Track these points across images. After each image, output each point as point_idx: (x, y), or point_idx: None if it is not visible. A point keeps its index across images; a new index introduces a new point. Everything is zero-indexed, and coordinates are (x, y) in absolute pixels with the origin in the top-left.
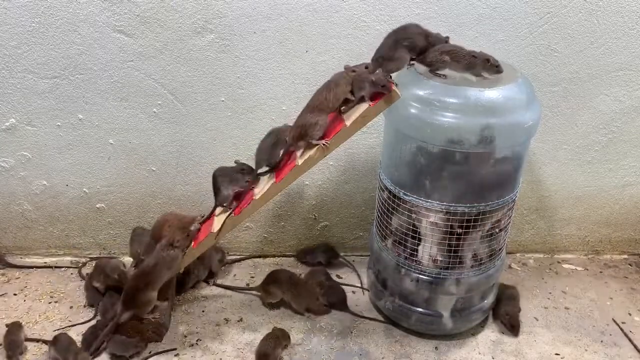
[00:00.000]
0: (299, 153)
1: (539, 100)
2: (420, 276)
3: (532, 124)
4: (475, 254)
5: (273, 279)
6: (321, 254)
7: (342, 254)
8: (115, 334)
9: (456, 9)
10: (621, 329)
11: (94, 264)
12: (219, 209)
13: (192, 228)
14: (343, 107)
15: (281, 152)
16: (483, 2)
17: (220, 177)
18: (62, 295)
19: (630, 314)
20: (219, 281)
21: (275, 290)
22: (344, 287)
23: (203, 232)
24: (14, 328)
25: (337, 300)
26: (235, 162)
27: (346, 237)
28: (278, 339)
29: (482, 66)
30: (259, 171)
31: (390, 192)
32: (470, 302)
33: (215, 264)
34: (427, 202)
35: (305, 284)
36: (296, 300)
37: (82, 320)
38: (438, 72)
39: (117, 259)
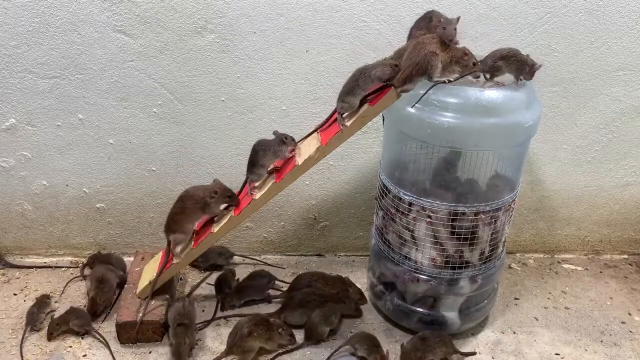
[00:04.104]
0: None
1: (539, 100)
2: (420, 276)
3: (532, 124)
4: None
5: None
6: (216, 256)
7: (342, 253)
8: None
9: (456, 9)
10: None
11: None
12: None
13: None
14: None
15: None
16: (483, 2)
17: (261, 151)
18: (62, 295)
19: (630, 314)
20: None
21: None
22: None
23: (204, 231)
24: (39, 301)
25: None
26: (274, 133)
27: (346, 237)
28: (327, 319)
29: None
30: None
31: (390, 192)
32: (471, 302)
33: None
34: (427, 202)
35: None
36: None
37: None
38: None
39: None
